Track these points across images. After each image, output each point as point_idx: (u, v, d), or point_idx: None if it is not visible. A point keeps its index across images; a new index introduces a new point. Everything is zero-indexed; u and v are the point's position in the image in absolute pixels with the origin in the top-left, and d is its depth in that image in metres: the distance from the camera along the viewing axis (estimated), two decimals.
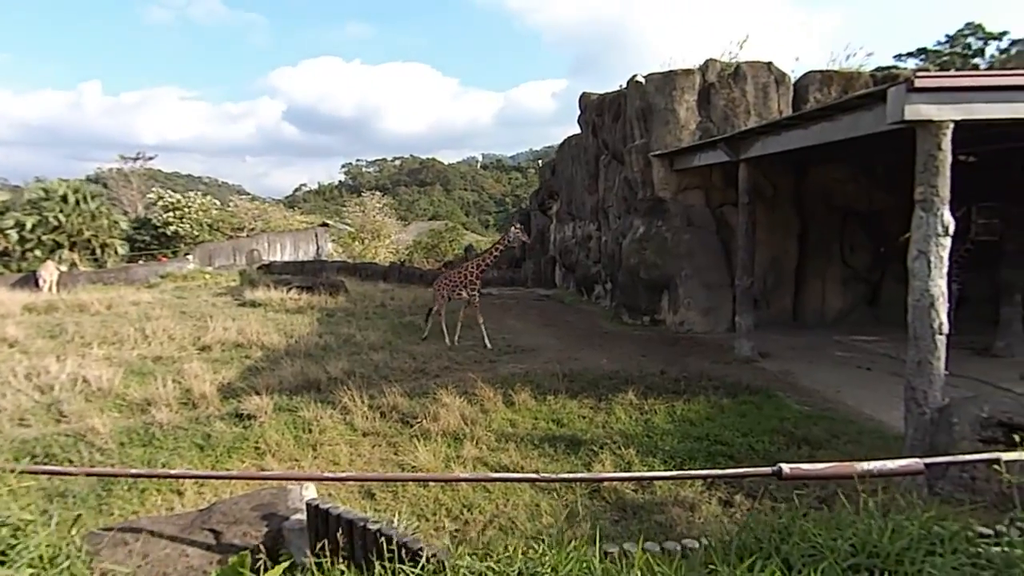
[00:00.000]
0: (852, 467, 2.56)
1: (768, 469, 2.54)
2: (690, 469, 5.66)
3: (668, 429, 6.51)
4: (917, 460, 2.54)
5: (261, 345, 9.80)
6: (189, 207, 27.80)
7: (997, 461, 2.62)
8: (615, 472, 5.46)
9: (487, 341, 10.78)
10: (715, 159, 10.54)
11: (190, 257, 24.00)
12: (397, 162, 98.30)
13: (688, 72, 12.76)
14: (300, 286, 14.61)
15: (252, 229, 29.48)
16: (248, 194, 79.56)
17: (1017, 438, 5.03)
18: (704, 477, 4.43)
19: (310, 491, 3.67)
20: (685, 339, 11.59)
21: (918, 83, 4.90)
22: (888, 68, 27.65)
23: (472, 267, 11.32)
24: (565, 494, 5.14)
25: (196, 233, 27.29)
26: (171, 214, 27.25)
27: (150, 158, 33.45)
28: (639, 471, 5.54)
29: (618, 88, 14.89)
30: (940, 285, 5.11)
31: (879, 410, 7.14)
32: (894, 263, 12.90)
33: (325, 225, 32.67)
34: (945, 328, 5.16)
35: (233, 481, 5.02)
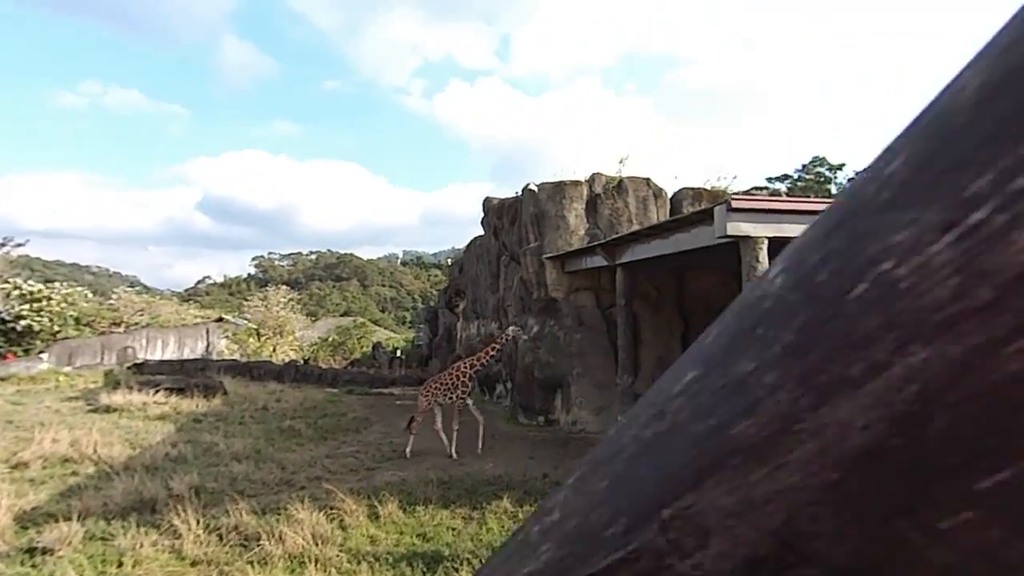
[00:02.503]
0: None
1: None
2: None
3: None
4: None
5: (97, 459, 8.75)
6: (50, 299, 24.48)
7: None
8: None
9: (480, 443, 10.31)
10: (598, 263, 11.02)
11: (44, 356, 21.35)
12: (313, 256, 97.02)
13: (576, 183, 13.59)
14: (170, 388, 13.55)
15: (133, 324, 27.50)
16: (142, 285, 75.46)
17: None
18: None
19: None
20: (577, 439, 11.53)
21: (735, 204, 5.40)
22: (761, 188, 30.66)
23: (466, 367, 10.27)
24: None
25: (57, 328, 24.09)
26: (27, 306, 23.78)
27: (19, 244, 29.77)
28: None
29: (515, 194, 15.59)
30: None
31: None
32: None
33: (220, 320, 31.12)
34: None
35: None
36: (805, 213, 5.97)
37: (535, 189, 13.81)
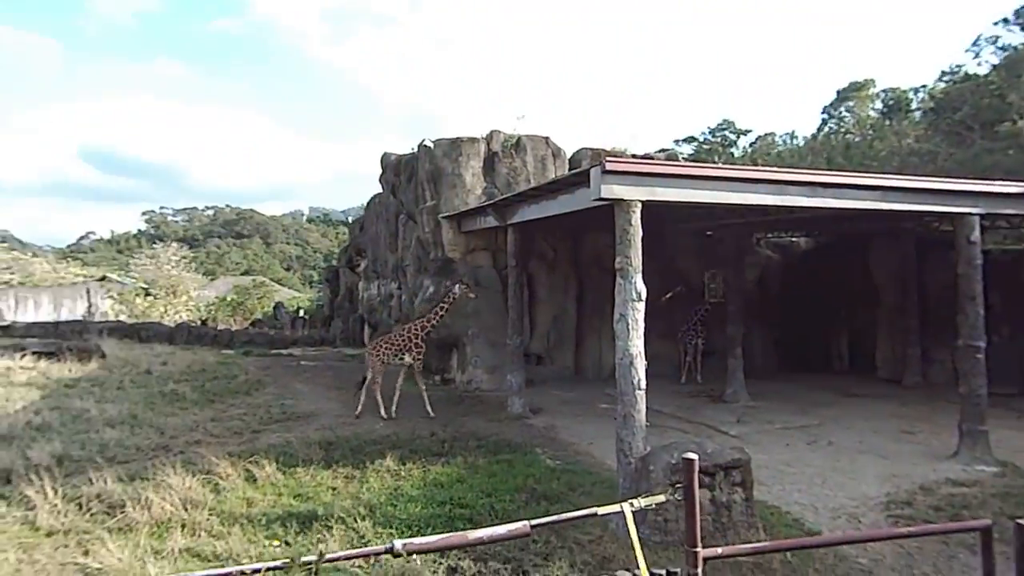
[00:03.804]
0: (464, 537, 2.63)
1: (382, 548, 2.50)
2: (429, 536, 5.58)
3: (415, 495, 6.39)
4: (525, 523, 2.67)
5: None
6: None
7: (594, 514, 2.85)
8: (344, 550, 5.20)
9: (429, 408, 9.97)
10: (491, 223, 11.08)
11: None
12: (210, 212, 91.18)
13: (473, 140, 13.47)
14: (39, 352, 12.52)
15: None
16: (16, 240, 68.37)
17: (706, 478, 5.74)
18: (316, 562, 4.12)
19: None
20: (470, 397, 11.76)
21: (608, 166, 5.56)
22: (667, 150, 31.61)
23: (417, 328, 10.07)
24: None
25: None
26: None
27: None
28: (372, 546, 5.33)
29: (411, 151, 15.26)
30: (638, 345, 5.69)
31: None
32: (657, 321, 14.39)
33: (104, 279, 28.86)
34: (643, 384, 5.72)
35: None
36: (677, 177, 6.24)
37: (431, 145, 13.58)
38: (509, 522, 5.94)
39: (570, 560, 5.17)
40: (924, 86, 26.66)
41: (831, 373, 14.66)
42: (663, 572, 2.92)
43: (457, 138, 13.37)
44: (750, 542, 5.57)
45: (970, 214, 7.49)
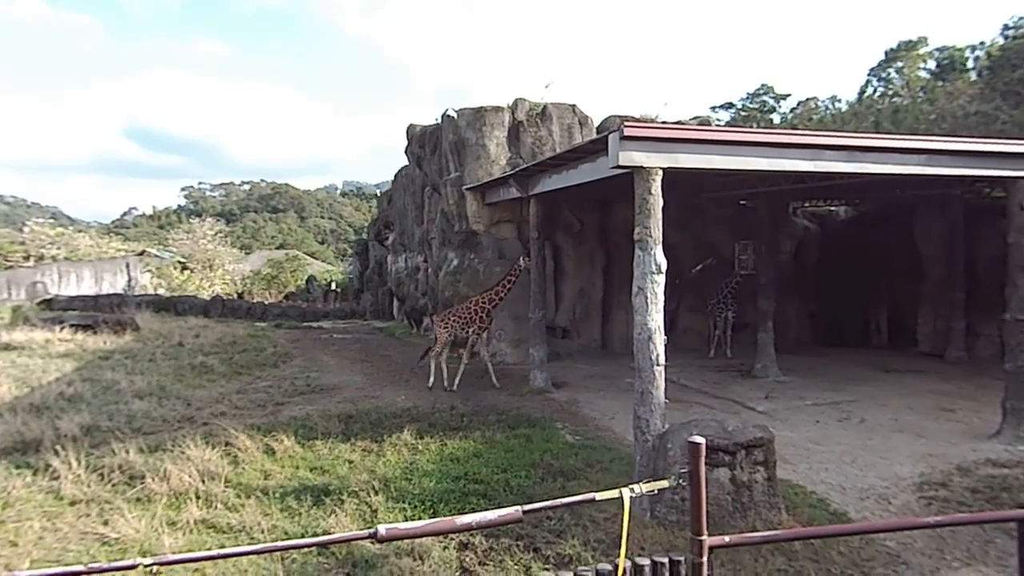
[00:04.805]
0: (452, 522, 2.51)
1: (365, 532, 2.40)
2: (441, 512, 5.54)
3: (430, 470, 6.36)
4: (517, 508, 2.53)
5: None
6: None
7: (592, 500, 2.70)
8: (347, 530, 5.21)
9: (495, 379, 10.29)
10: (514, 194, 10.85)
11: None
12: (246, 187, 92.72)
13: (498, 109, 13.17)
14: (76, 324, 12.90)
15: (45, 258, 25.86)
16: (65, 216, 70.75)
17: (727, 457, 5.54)
18: (319, 545, 4.09)
19: None
20: (495, 371, 11.68)
21: (627, 132, 5.27)
22: (700, 117, 30.41)
23: (484, 301, 10.16)
24: (291, 553, 4.76)
25: None
26: None
27: None
28: (383, 521, 5.32)
29: (435, 122, 15.03)
30: (657, 319, 5.46)
31: None
32: (687, 294, 14.09)
33: (143, 253, 29.63)
34: (662, 360, 5.50)
35: None
36: (701, 142, 5.88)
37: (454, 115, 13.32)
38: (524, 498, 5.92)
39: (583, 538, 5.06)
40: (983, 43, 24.96)
41: (868, 348, 14.13)
42: (665, 560, 2.76)
43: (481, 107, 13.09)
44: (771, 523, 5.38)
45: None
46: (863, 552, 4.86)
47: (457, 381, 10.10)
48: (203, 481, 5.77)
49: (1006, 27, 23.07)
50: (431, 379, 10.24)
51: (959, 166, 6.73)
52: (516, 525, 5.22)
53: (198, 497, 5.44)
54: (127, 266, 26.98)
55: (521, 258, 10.25)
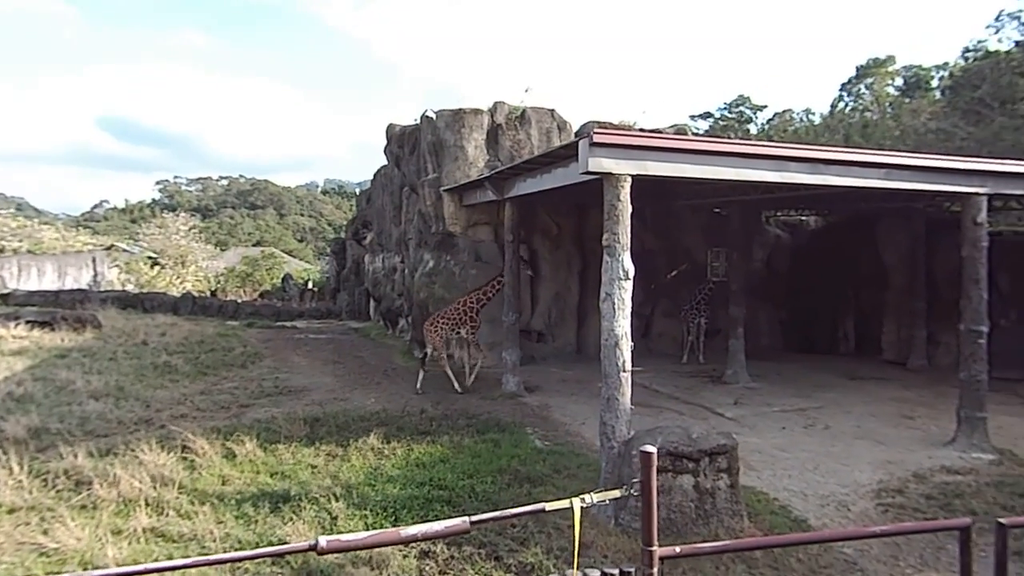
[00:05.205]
0: (397, 533, 2.46)
1: (304, 544, 2.34)
2: (404, 518, 5.46)
3: (395, 475, 6.29)
4: (465, 519, 2.50)
5: None
6: None
7: (542, 511, 2.67)
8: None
9: (465, 381, 10.23)
10: (489, 197, 10.81)
11: None
12: (224, 182, 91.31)
13: (477, 112, 13.12)
14: (33, 321, 12.52)
15: (4, 250, 25.05)
16: (32, 208, 68.85)
17: (691, 464, 5.56)
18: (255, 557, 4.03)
19: None
20: (456, 374, 11.61)
21: (596, 139, 5.27)
22: (678, 125, 30.72)
23: (472, 301, 10.08)
24: (243, 563, 4.65)
25: None
26: None
27: None
28: (343, 529, 5.23)
29: (414, 122, 14.94)
30: (624, 325, 5.47)
31: None
32: (662, 299, 14.18)
33: (111, 248, 28.95)
34: (628, 366, 5.51)
35: None
36: (669, 151, 5.93)
37: (433, 116, 13.25)
38: (489, 504, 5.86)
39: (546, 546, 5.04)
40: (946, 64, 25.66)
41: (836, 354, 14.36)
42: (616, 572, 2.74)
43: (460, 109, 13.03)
44: (734, 530, 5.41)
45: (977, 194, 7.12)
46: (821, 559, 4.91)
47: (470, 381, 10.28)
48: (155, 487, 5.62)
49: (966, 49, 23.78)
50: (419, 382, 10.10)
51: (916, 180, 6.88)
52: (479, 533, 5.19)
53: (148, 504, 5.29)
54: (93, 260, 26.32)
55: (522, 248, 10.14)
